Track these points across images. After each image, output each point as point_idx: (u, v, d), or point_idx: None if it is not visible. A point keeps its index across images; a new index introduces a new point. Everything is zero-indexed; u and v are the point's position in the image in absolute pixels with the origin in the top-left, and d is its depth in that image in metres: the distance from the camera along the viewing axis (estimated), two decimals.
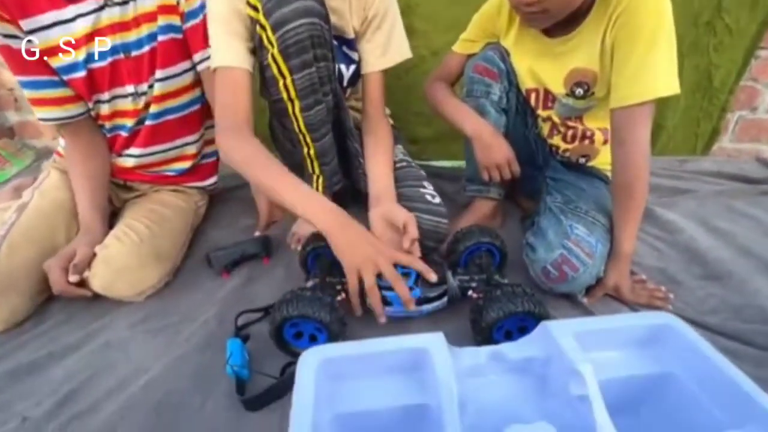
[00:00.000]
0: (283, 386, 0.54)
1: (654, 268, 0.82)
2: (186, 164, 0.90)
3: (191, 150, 0.89)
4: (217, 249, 0.81)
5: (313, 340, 0.60)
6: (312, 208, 0.61)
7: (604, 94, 0.68)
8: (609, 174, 0.80)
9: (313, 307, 0.56)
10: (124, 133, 0.81)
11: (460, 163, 1.24)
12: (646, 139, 0.62)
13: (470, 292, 0.65)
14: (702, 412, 0.45)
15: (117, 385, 0.58)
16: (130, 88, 0.76)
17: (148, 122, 0.80)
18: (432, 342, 0.46)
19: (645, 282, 0.75)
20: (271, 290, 0.75)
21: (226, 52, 0.67)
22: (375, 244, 0.61)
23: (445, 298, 0.65)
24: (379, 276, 0.59)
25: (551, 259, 0.68)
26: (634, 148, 0.62)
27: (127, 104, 0.78)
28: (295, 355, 0.47)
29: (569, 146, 0.80)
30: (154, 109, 0.79)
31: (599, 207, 0.73)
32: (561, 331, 0.47)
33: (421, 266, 0.61)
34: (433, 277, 0.61)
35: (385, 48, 0.76)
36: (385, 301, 0.61)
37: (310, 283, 0.65)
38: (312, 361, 0.44)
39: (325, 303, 0.57)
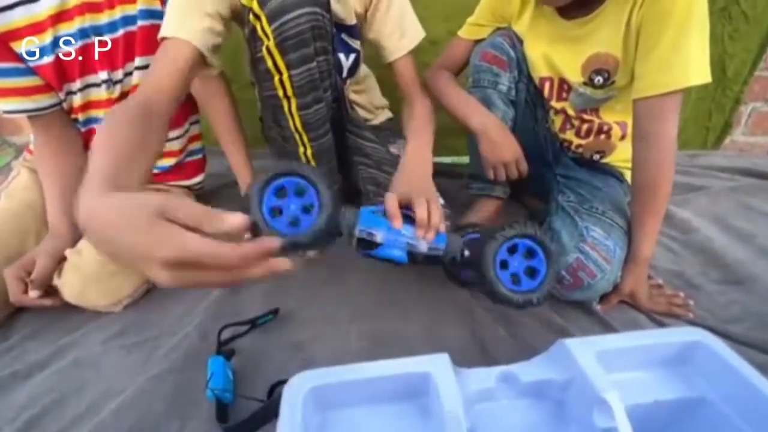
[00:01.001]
0: (271, 410, 0.49)
1: (669, 271, 0.78)
2: (169, 161, 0.83)
3: (174, 146, 0.82)
4: None
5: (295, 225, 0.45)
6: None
7: (626, 83, 0.61)
8: (624, 172, 0.75)
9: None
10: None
11: (461, 159, 1.19)
12: (673, 133, 0.56)
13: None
14: None
15: (86, 410, 0.52)
16: (103, 75, 0.70)
17: None
18: (435, 365, 0.41)
19: (662, 287, 0.71)
20: (260, 299, 0.70)
21: (177, 19, 0.56)
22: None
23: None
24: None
25: (566, 264, 0.63)
26: (659, 144, 0.57)
27: (100, 93, 0.71)
28: None
29: (583, 141, 0.74)
30: None
31: (616, 207, 0.68)
32: (581, 351, 0.43)
33: None
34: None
35: (402, 29, 0.71)
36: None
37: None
38: (299, 389, 0.39)
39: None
